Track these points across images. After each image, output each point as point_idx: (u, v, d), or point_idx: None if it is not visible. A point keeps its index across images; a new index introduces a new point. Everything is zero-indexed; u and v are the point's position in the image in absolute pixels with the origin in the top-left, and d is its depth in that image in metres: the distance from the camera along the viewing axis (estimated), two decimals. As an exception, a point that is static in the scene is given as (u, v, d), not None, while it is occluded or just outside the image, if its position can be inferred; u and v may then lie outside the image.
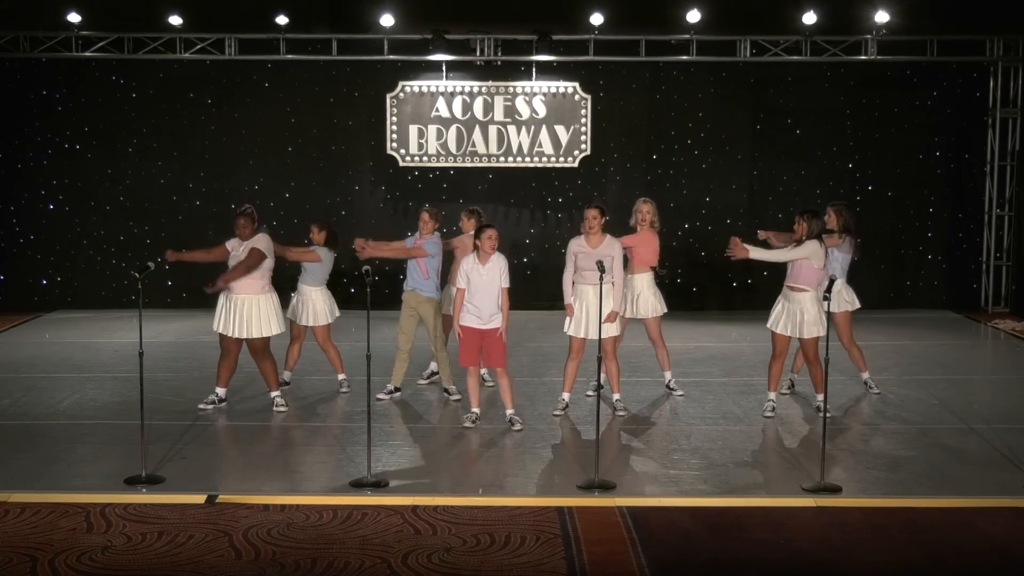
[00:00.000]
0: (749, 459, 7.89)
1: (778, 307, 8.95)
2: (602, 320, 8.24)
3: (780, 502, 6.97)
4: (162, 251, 14.36)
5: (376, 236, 14.40)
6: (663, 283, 10.52)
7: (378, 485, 7.14)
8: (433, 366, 10.23)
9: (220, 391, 9.25)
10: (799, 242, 8.74)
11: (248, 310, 8.91)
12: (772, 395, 9.16)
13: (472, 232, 9.34)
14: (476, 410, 8.77)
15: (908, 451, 8.10)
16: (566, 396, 9.18)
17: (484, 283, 8.50)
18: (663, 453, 8.05)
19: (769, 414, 9.05)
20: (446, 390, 9.68)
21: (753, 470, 7.65)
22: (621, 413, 9.11)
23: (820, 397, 8.86)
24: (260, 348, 9.05)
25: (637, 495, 7.08)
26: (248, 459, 7.94)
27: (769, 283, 14.74)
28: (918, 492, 7.18)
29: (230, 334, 8.94)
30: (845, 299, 9.63)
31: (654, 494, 7.11)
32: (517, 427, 8.59)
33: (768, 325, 8.99)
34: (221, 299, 9.01)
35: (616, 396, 9.23)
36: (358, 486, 7.12)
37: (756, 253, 8.76)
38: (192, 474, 7.45)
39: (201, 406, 9.19)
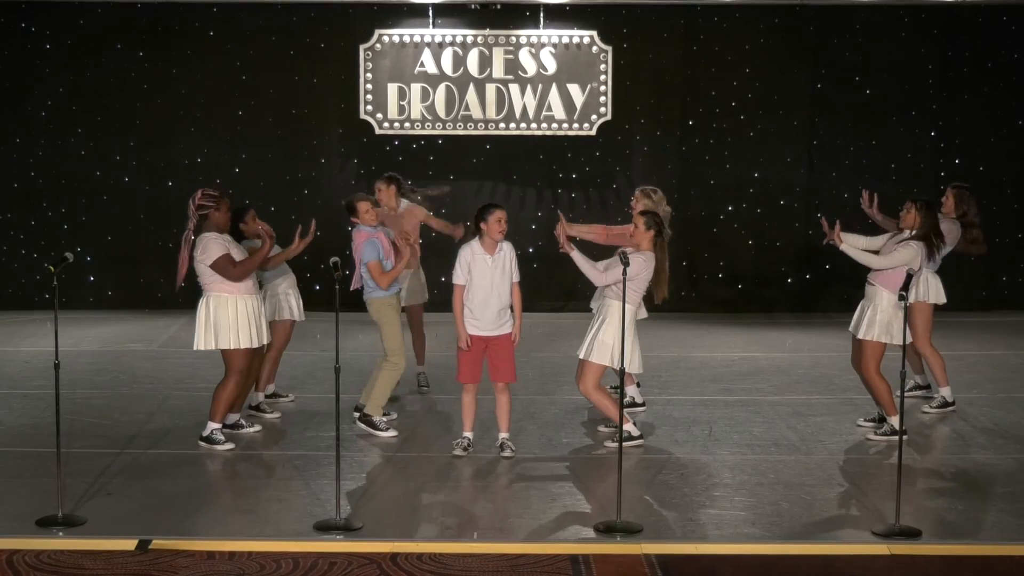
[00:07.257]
0: (807, 496, 7.89)
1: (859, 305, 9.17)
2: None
3: (846, 549, 6.99)
4: (83, 238, 14.63)
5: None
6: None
7: (349, 528, 7.15)
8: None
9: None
10: (906, 236, 8.91)
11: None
12: (891, 418, 9.07)
13: (393, 206, 10.06)
14: (468, 435, 8.79)
15: (1004, 486, 8.10)
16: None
17: (491, 278, 8.54)
18: (701, 489, 8.06)
19: (875, 436, 9.19)
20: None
21: (812, 510, 7.66)
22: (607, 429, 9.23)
23: (893, 420, 8.87)
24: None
25: (668, 540, 7.09)
26: (189, 496, 7.95)
27: (843, 279, 14.73)
28: (1016, 538, 7.18)
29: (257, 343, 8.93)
30: (926, 289, 9.80)
31: (689, 539, 7.12)
32: (507, 453, 8.66)
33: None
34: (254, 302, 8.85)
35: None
36: (324, 529, 7.14)
37: (848, 247, 8.92)
38: (120, 514, 7.45)
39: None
